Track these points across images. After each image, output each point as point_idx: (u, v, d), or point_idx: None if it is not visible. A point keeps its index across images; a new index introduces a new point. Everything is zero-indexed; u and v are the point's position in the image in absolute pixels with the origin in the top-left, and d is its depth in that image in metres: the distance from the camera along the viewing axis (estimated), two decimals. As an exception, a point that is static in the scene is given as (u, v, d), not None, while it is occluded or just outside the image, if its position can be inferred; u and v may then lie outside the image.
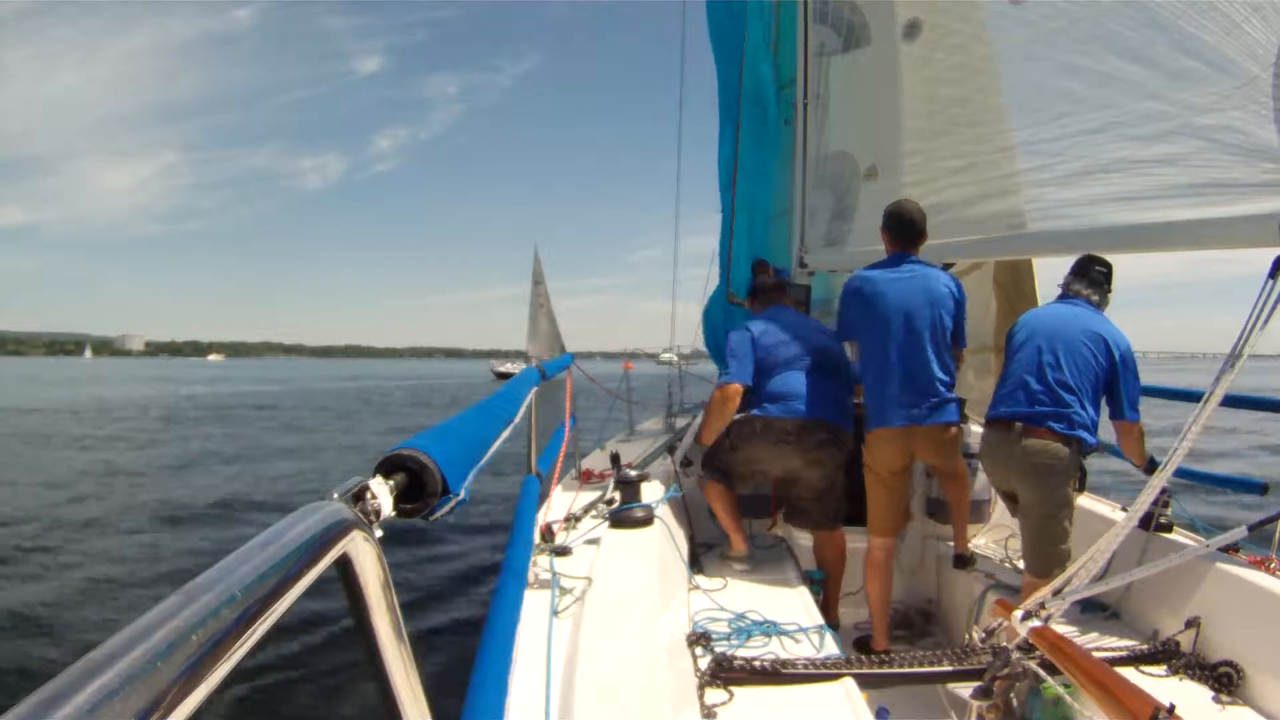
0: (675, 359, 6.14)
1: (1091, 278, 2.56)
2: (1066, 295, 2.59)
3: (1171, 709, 1.22)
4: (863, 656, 1.91)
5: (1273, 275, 1.65)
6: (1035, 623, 1.70)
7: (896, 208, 2.70)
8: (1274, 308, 1.63)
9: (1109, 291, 2.57)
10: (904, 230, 2.67)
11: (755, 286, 3.18)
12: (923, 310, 2.58)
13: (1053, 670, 1.82)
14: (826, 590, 2.84)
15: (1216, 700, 1.89)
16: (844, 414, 2.79)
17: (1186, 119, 2.04)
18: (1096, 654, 1.79)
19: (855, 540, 2.89)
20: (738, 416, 2.77)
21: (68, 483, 9.75)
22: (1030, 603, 1.80)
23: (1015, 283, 4.06)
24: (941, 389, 2.57)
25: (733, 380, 2.75)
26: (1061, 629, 2.01)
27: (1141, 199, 2.18)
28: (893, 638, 2.91)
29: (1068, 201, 2.46)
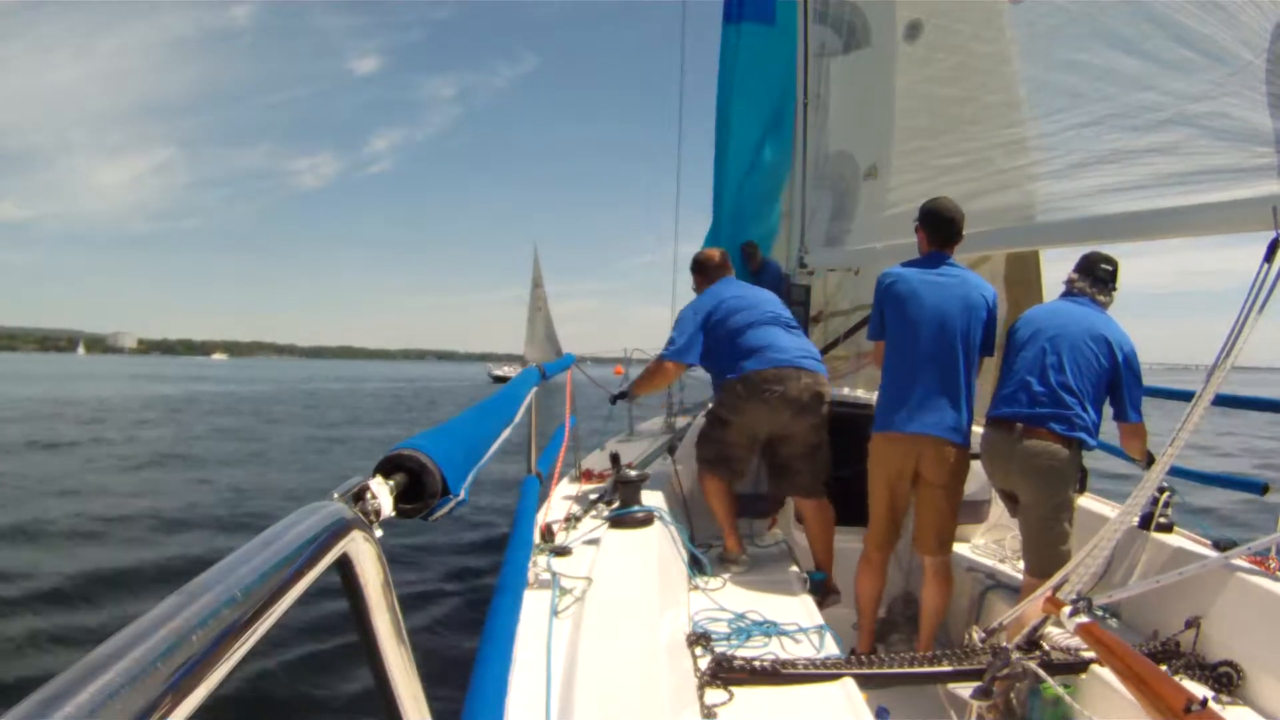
0: None
1: (1097, 275, 2.52)
2: (1071, 293, 2.57)
3: (1204, 702, 1.26)
4: (863, 656, 1.91)
5: (1268, 259, 1.66)
6: (1083, 618, 1.71)
7: (936, 205, 2.60)
8: (1270, 290, 1.64)
9: (1114, 290, 2.55)
10: (942, 229, 2.57)
11: (700, 262, 3.11)
12: (957, 319, 2.49)
13: (1052, 670, 1.82)
14: (818, 557, 2.86)
15: (1216, 700, 1.89)
16: (819, 361, 2.83)
17: (1181, 108, 2.06)
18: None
19: (853, 540, 2.88)
20: (721, 384, 2.82)
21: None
22: (1069, 589, 1.81)
23: (1023, 280, 4.05)
24: (961, 404, 2.50)
25: (673, 359, 2.85)
26: (1062, 628, 2.02)
27: (1138, 188, 2.19)
28: (889, 641, 2.90)
29: (1066, 193, 2.47)
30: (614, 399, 3.31)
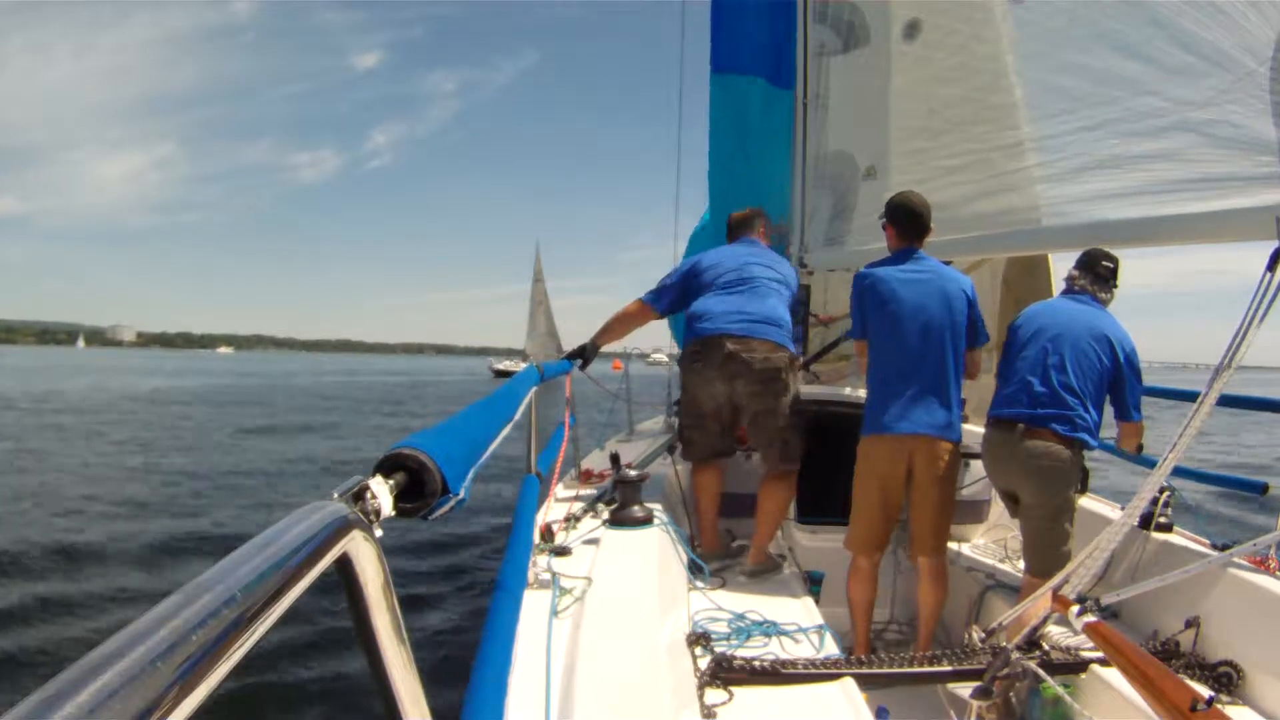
0: (666, 359, 6.15)
1: (1098, 273, 2.52)
2: (1072, 290, 2.57)
3: (1210, 701, 1.26)
4: (862, 656, 1.91)
5: (1270, 268, 1.65)
6: (1091, 617, 1.71)
7: (902, 200, 2.60)
8: (1272, 300, 1.63)
9: (1115, 288, 2.55)
10: (910, 223, 2.57)
11: (728, 222, 3.17)
12: (940, 316, 2.48)
13: (1051, 670, 1.82)
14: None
15: (1216, 700, 1.89)
16: (757, 323, 2.68)
17: (1184, 114, 2.05)
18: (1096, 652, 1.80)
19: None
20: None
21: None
22: (1069, 589, 1.81)
23: (1027, 280, 4.03)
24: (951, 402, 2.48)
25: (645, 299, 2.94)
26: (1062, 628, 2.02)
27: (1140, 194, 2.19)
28: (886, 642, 2.89)
29: (1067, 198, 2.46)
30: (581, 364, 2.95)
